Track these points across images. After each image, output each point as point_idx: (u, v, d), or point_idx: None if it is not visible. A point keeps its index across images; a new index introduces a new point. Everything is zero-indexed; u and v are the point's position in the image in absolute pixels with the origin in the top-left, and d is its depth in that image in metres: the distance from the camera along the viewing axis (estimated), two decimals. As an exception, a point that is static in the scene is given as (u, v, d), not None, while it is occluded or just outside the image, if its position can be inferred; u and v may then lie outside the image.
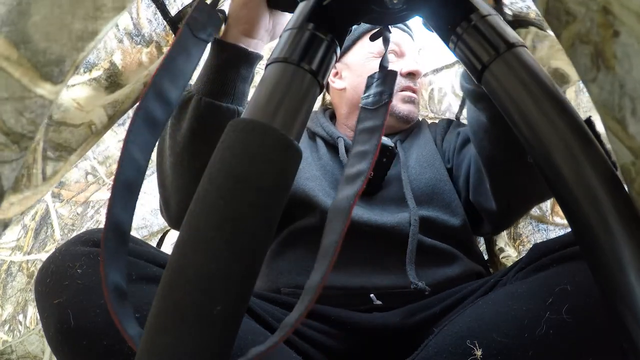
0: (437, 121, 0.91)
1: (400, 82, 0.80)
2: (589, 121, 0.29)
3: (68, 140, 0.44)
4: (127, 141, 0.34)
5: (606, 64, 0.25)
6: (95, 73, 0.46)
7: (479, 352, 0.39)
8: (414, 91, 0.82)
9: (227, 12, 0.56)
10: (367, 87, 0.47)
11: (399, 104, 0.81)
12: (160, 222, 0.97)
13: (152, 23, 0.53)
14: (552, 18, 0.28)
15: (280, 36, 0.33)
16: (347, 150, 0.77)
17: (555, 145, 0.26)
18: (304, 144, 0.84)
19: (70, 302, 0.39)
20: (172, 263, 0.24)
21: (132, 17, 0.50)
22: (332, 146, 0.81)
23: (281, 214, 0.27)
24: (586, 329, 0.37)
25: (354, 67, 0.84)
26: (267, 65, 0.31)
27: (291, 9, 0.35)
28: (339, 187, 0.39)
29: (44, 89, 0.25)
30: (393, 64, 0.82)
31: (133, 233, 0.83)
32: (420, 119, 0.90)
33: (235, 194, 0.25)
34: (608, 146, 0.26)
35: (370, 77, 0.47)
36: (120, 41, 0.49)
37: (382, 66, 0.47)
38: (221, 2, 0.58)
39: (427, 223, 0.66)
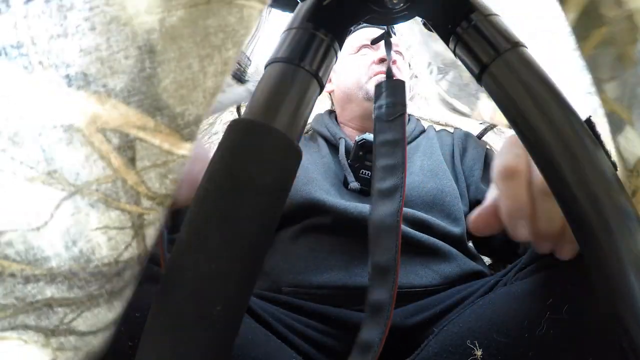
0: (449, 129, 0.93)
1: (373, 69, 0.83)
2: (589, 121, 0.29)
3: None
4: None
5: (626, 65, 0.26)
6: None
7: (479, 352, 0.39)
8: None
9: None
10: (377, 96, 0.47)
11: (372, 88, 0.82)
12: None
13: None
14: (583, 20, 0.28)
15: (280, 36, 0.33)
16: (347, 151, 0.78)
17: (556, 146, 0.26)
18: (301, 147, 0.85)
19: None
20: (172, 263, 0.24)
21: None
22: (333, 146, 0.82)
23: (281, 214, 0.27)
24: (586, 329, 0.37)
25: (335, 66, 0.87)
26: (266, 65, 0.31)
27: (291, 9, 0.35)
28: (372, 202, 0.39)
29: (186, 149, 0.24)
30: (367, 56, 0.85)
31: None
32: (426, 126, 0.92)
33: (235, 194, 0.25)
34: (607, 146, 0.27)
35: (378, 87, 0.47)
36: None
37: (389, 75, 0.47)
38: (246, 46, 0.58)
39: (424, 225, 0.66)
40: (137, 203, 0.23)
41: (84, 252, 0.22)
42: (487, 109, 0.89)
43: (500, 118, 0.89)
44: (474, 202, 0.78)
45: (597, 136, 0.27)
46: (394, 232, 0.35)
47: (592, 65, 0.29)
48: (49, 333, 0.23)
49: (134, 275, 0.26)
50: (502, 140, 0.90)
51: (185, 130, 0.23)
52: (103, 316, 0.25)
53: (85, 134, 0.21)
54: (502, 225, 0.36)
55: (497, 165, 0.36)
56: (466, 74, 0.88)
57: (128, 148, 0.22)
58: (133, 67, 0.21)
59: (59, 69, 0.20)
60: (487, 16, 0.32)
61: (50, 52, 0.20)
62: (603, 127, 0.31)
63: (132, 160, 0.22)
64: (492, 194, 0.38)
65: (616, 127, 0.28)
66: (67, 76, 0.20)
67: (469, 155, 0.84)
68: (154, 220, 0.24)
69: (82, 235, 0.22)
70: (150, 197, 0.24)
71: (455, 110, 0.96)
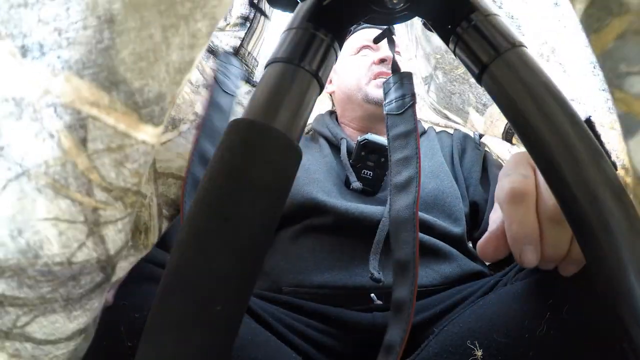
0: (449, 130, 0.93)
1: (373, 69, 0.84)
2: (589, 121, 0.29)
3: (179, 197, 0.40)
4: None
5: None
6: (184, 127, 0.44)
7: (479, 353, 0.39)
8: (387, 75, 0.84)
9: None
10: (386, 93, 0.47)
11: (373, 90, 0.83)
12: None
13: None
14: (598, 9, 0.26)
15: (280, 36, 0.33)
16: (349, 152, 0.78)
17: (556, 146, 0.26)
18: (302, 147, 0.86)
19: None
20: (172, 263, 0.24)
21: (199, 70, 0.50)
22: (335, 146, 0.83)
23: (281, 214, 0.27)
24: (587, 329, 0.37)
25: (336, 67, 0.87)
26: (266, 65, 0.31)
27: (291, 9, 0.35)
28: (390, 198, 0.39)
29: (146, 133, 0.22)
30: (367, 57, 0.86)
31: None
32: (427, 127, 0.92)
33: (235, 194, 0.25)
34: (607, 146, 0.26)
35: (387, 83, 0.47)
36: (197, 93, 0.48)
37: (395, 69, 0.47)
38: (253, 47, 0.58)
39: (425, 225, 0.66)
40: (89, 193, 0.21)
41: (32, 246, 0.21)
42: (479, 121, 0.89)
43: (492, 130, 0.88)
44: (472, 204, 0.78)
45: (597, 136, 0.27)
46: (411, 224, 0.34)
47: (612, 57, 0.27)
48: (2, 335, 0.22)
49: (95, 283, 0.24)
50: (500, 142, 0.89)
51: (145, 109, 0.21)
52: (61, 325, 0.23)
53: (36, 108, 0.19)
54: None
55: (503, 187, 0.33)
56: (450, 87, 0.88)
57: (80, 127, 0.20)
58: (91, 38, 0.19)
59: (16, 39, 0.19)
60: (487, 16, 0.32)
61: (9, 21, 0.19)
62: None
63: (83, 141, 0.20)
64: (496, 215, 0.37)
65: (629, 129, 0.26)
66: (23, 46, 0.19)
67: (467, 157, 0.84)
68: (113, 218, 0.23)
69: (28, 225, 0.20)
70: (105, 188, 0.22)
71: (449, 119, 0.96)
